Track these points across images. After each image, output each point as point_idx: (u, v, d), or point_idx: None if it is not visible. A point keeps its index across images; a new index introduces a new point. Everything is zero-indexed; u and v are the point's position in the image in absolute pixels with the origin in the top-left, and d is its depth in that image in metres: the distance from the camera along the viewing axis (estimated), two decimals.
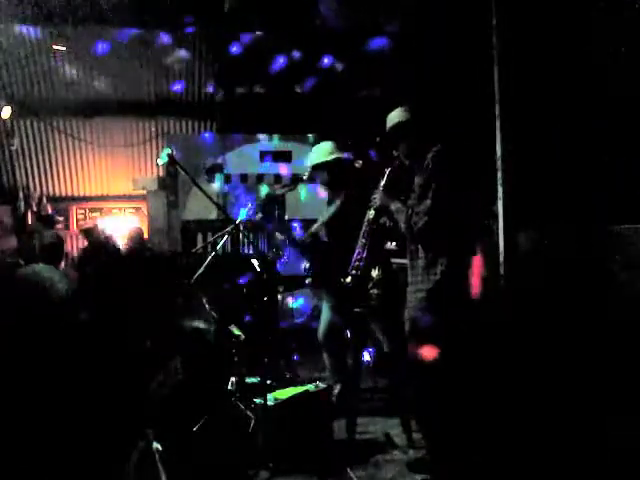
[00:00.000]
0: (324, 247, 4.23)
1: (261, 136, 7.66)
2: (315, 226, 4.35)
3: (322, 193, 5.65)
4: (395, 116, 3.23)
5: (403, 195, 3.20)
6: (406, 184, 3.22)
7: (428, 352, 2.97)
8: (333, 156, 4.14)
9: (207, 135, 8.21)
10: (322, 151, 4.20)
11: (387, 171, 3.33)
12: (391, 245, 4.46)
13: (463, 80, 5.31)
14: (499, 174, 4.48)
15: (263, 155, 7.54)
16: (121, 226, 6.79)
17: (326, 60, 7.13)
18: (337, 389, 4.22)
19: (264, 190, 4.82)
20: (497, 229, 4.55)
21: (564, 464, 3.03)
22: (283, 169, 7.55)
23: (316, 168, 4.18)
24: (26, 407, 3.42)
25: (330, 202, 4.33)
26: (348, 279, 3.44)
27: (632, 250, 3.63)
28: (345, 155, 4.19)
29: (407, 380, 3.43)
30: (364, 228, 3.42)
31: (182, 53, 7.37)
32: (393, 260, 4.29)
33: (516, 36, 4.46)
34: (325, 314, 4.31)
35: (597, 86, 3.97)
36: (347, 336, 4.17)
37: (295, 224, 7.10)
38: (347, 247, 3.53)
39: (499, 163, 4.48)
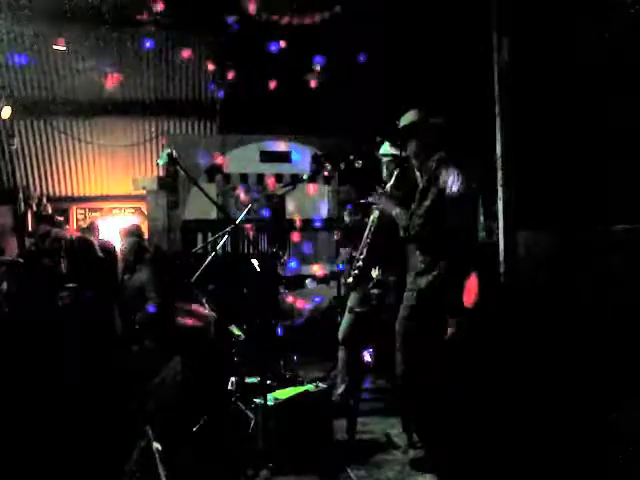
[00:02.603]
0: None
1: (261, 136, 7.65)
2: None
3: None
4: (410, 116, 3.26)
5: (410, 197, 3.20)
6: (413, 185, 3.23)
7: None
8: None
9: (207, 135, 8.20)
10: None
11: (395, 172, 3.34)
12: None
13: (463, 80, 5.31)
14: (499, 174, 4.48)
15: (263, 155, 7.53)
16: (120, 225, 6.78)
17: (326, 60, 7.12)
18: (341, 389, 4.22)
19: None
20: (497, 229, 4.55)
21: (562, 461, 3.04)
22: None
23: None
24: (26, 407, 3.42)
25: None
26: (350, 279, 3.45)
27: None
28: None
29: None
30: (367, 229, 3.42)
31: None
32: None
33: (516, 36, 4.46)
34: (347, 316, 4.32)
35: (598, 86, 3.97)
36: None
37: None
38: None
39: (499, 163, 4.48)
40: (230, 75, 7.29)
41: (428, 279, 3.02)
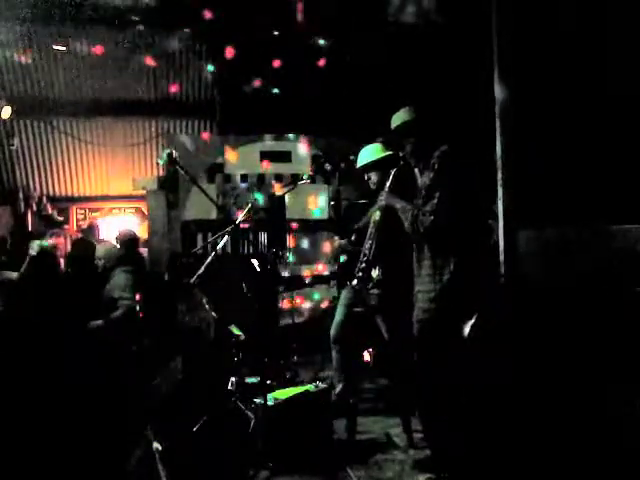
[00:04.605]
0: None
1: (261, 136, 7.65)
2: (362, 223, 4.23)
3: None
4: (400, 116, 3.23)
5: (409, 195, 3.19)
6: (411, 184, 3.22)
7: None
8: (386, 153, 4.01)
9: (207, 135, 8.20)
10: (374, 150, 4.08)
11: (392, 172, 3.33)
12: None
13: (463, 80, 5.31)
14: (499, 174, 4.47)
15: (263, 155, 7.52)
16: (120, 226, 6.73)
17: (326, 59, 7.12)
18: (338, 388, 4.22)
19: None
20: (497, 229, 4.54)
21: (564, 460, 3.04)
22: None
23: (368, 168, 4.06)
24: (26, 408, 3.42)
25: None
26: (355, 281, 3.44)
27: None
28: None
29: (409, 380, 3.42)
30: (370, 230, 3.41)
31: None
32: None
33: (516, 36, 4.46)
34: (339, 313, 4.31)
35: (598, 85, 3.97)
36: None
37: None
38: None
39: (499, 163, 4.48)
40: (228, 53, 7.20)
41: (443, 279, 3.00)
